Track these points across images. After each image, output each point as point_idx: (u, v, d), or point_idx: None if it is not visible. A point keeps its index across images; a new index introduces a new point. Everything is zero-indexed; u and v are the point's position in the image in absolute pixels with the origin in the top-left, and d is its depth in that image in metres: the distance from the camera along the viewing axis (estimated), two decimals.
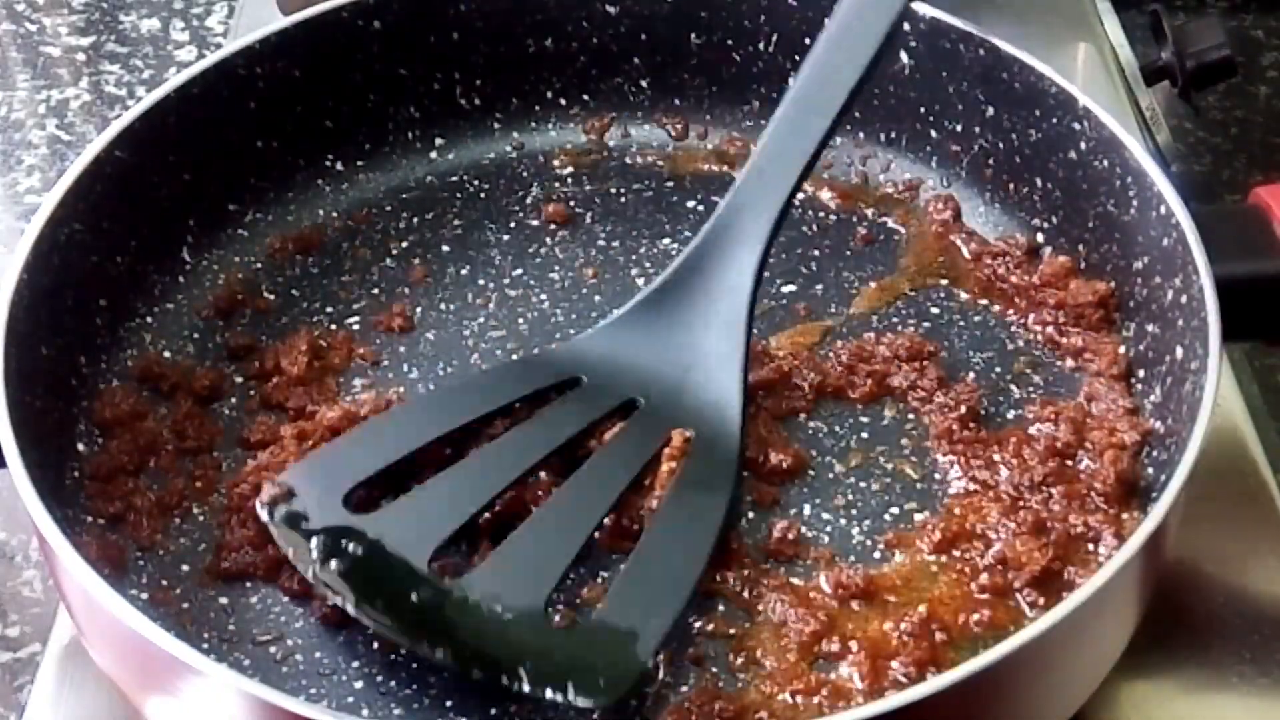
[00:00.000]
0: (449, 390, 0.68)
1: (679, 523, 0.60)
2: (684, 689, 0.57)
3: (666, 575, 0.59)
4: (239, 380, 0.68)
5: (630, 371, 0.65)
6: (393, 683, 0.58)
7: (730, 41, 0.78)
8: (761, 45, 0.77)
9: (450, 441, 0.63)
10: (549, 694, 0.55)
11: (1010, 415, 0.66)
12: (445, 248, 0.74)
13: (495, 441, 0.63)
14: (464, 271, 0.73)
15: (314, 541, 0.58)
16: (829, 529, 0.62)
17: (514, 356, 0.69)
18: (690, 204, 0.76)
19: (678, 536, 0.60)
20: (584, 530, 0.60)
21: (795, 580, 0.60)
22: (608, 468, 0.62)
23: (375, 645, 0.59)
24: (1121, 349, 0.66)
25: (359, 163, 0.77)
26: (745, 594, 0.59)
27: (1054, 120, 0.69)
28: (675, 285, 0.67)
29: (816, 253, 0.73)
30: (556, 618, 0.58)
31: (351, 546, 0.58)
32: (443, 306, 0.72)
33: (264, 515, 0.59)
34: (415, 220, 0.76)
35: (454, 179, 0.78)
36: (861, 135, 0.77)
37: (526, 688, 0.55)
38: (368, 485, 0.61)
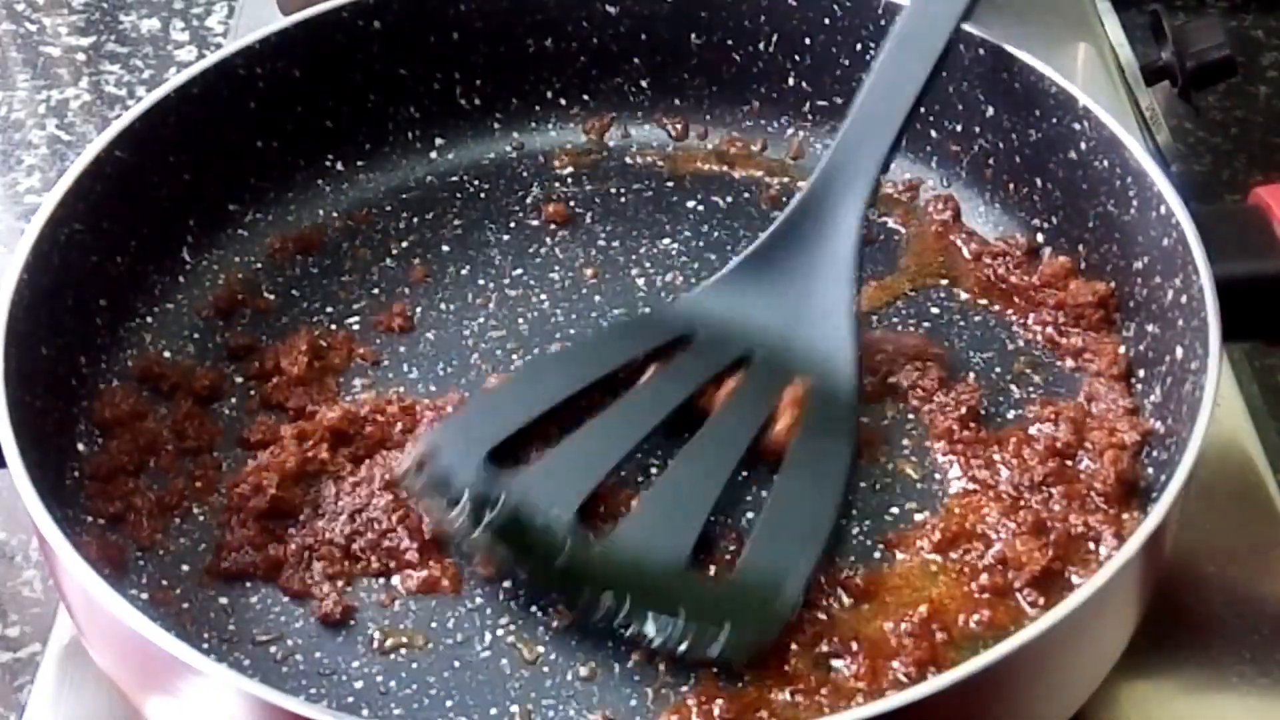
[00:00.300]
0: (569, 351, 0.69)
1: (807, 470, 0.62)
2: (684, 689, 0.57)
3: (802, 523, 0.60)
4: (239, 380, 0.68)
5: (742, 325, 0.67)
6: (393, 683, 0.58)
7: (730, 41, 0.78)
8: (761, 45, 0.77)
9: (571, 401, 0.65)
10: (699, 648, 0.56)
11: (1010, 415, 0.66)
12: (445, 248, 0.74)
13: (621, 400, 0.65)
14: (464, 271, 0.73)
15: (463, 504, 0.60)
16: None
17: (517, 356, 0.69)
18: (690, 204, 0.76)
19: (808, 484, 0.62)
20: (718, 483, 0.61)
21: None
22: (731, 421, 0.64)
23: (375, 645, 0.59)
24: (1121, 349, 0.66)
25: (359, 163, 0.77)
26: None
27: (1054, 120, 0.69)
28: (782, 238, 0.68)
29: None
30: (704, 570, 0.60)
31: (498, 507, 0.60)
32: (443, 306, 0.72)
33: (410, 480, 0.61)
34: (415, 220, 0.76)
35: (454, 179, 0.78)
36: None
37: (675, 641, 0.57)
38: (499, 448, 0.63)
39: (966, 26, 0.71)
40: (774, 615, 0.58)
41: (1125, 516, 0.61)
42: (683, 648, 0.57)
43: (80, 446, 0.64)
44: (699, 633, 0.57)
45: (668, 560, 0.59)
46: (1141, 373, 0.65)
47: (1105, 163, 0.67)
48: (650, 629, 0.57)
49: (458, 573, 0.60)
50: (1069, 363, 0.68)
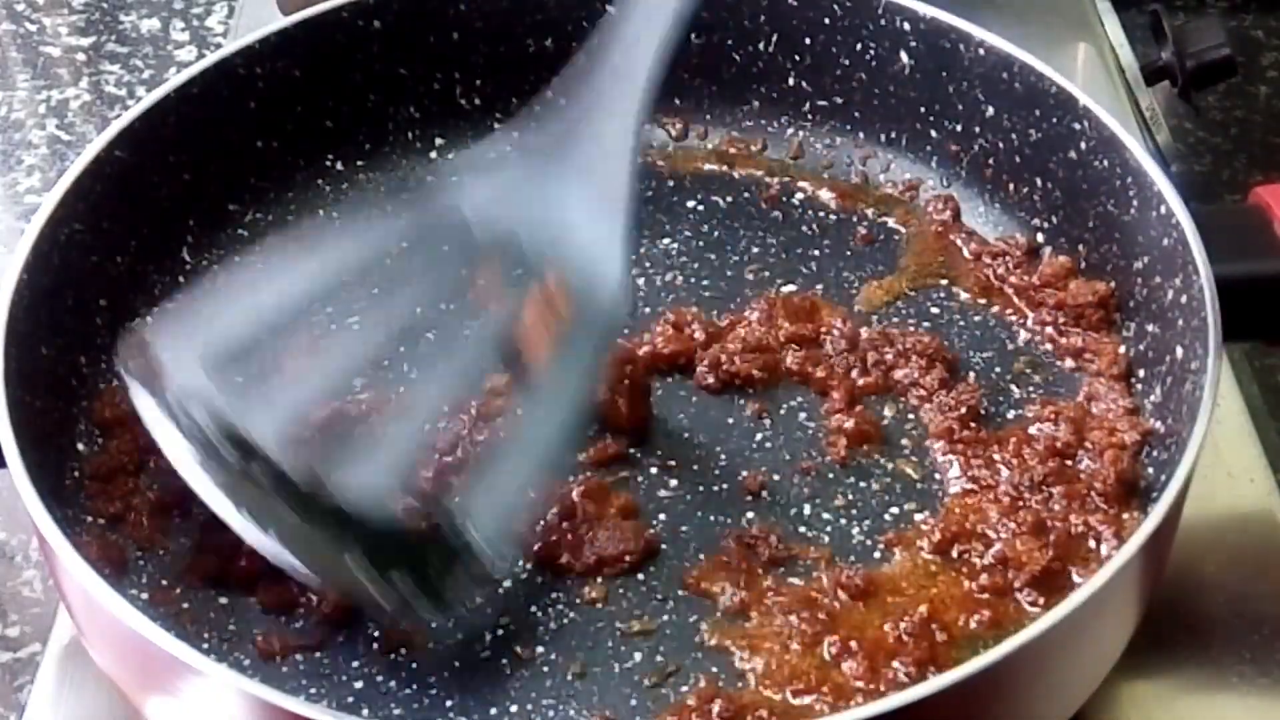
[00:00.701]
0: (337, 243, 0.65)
1: (541, 399, 0.59)
2: (684, 689, 0.57)
3: (522, 459, 0.58)
4: None
5: (517, 221, 0.62)
6: (393, 683, 0.58)
7: (730, 41, 0.78)
8: (761, 45, 0.77)
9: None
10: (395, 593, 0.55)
11: (1010, 415, 0.66)
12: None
13: (379, 296, 0.62)
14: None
15: (166, 399, 0.56)
16: (829, 529, 0.62)
17: None
18: (690, 204, 0.76)
19: (538, 417, 0.59)
20: (441, 411, 0.59)
21: (795, 580, 0.60)
22: (478, 338, 0.61)
23: (375, 645, 0.59)
24: (1121, 349, 0.66)
25: (359, 163, 0.77)
26: (745, 594, 0.59)
27: (1054, 120, 0.69)
28: (564, 132, 0.63)
29: (816, 253, 0.73)
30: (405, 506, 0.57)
31: (198, 413, 0.55)
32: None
33: (123, 371, 0.58)
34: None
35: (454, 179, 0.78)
36: (861, 135, 0.77)
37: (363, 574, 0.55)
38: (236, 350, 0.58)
39: (966, 26, 0.71)
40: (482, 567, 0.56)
41: (1125, 516, 0.61)
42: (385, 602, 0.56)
43: (80, 446, 0.64)
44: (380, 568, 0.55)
45: (371, 494, 0.55)
46: (1141, 372, 0.65)
47: (1105, 163, 0.67)
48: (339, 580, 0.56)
49: None
50: (1069, 363, 0.68)
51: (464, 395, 0.60)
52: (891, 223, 0.75)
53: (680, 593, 0.60)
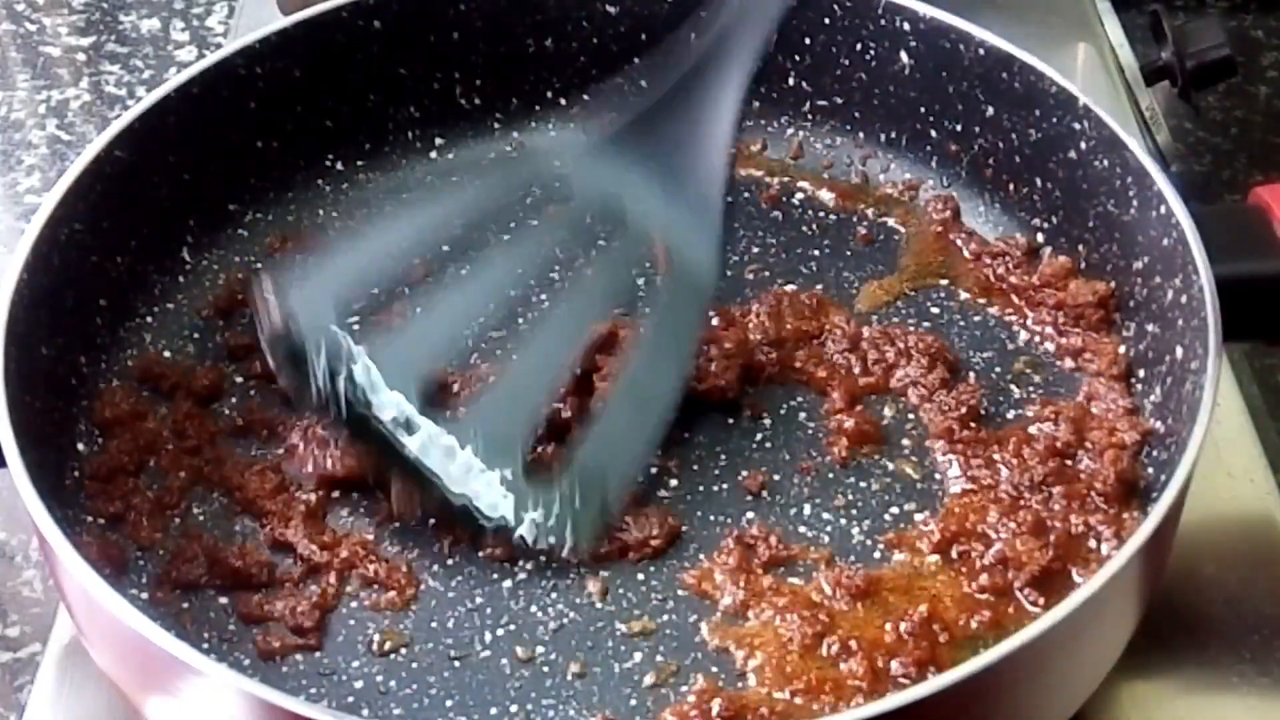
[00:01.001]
0: (431, 205, 0.70)
1: (652, 350, 0.63)
2: (684, 689, 0.57)
3: (634, 426, 0.61)
4: (239, 380, 0.68)
5: (619, 186, 0.67)
6: (393, 683, 0.58)
7: None
8: None
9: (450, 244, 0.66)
10: (524, 538, 0.58)
11: (1010, 415, 0.66)
12: (445, 248, 0.74)
13: (487, 258, 0.66)
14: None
15: (317, 363, 0.60)
16: (829, 529, 0.62)
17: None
18: None
19: (651, 365, 0.63)
20: (561, 368, 0.62)
21: (795, 580, 0.60)
22: (589, 293, 0.65)
23: (375, 645, 0.59)
24: (1121, 349, 0.66)
25: (359, 163, 0.77)
26: (745, 594, 0.59)
27: (1054, 120, 0.69)
28: (667, 107, 0.68)
29: (816, 253, 0.73)
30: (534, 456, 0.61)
31: (348, 368, 0.60)
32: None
33: (267, 339, 0.61)
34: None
35: (454, 179, 0.78)
36: (861, 135, 0.77)
37: (498, 528, 0.59)
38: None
39: (966, 26, 0.71)
40: (596, 512, 0.59)
41: (1125, 516, 0.61)
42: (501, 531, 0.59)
43: (80, 446, 0.64)
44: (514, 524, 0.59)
45: (500, 449, 0.60)
46: (1141, 372, 0.65)
47: (1105, 162, 0.67)
48: (480, 515, 0.59)
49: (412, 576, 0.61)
50: (1069, 363, 0.68)
51: (576, 347, 0.63)
52: (891, 223, 0.75)
53: (680, 593, 0.60)
